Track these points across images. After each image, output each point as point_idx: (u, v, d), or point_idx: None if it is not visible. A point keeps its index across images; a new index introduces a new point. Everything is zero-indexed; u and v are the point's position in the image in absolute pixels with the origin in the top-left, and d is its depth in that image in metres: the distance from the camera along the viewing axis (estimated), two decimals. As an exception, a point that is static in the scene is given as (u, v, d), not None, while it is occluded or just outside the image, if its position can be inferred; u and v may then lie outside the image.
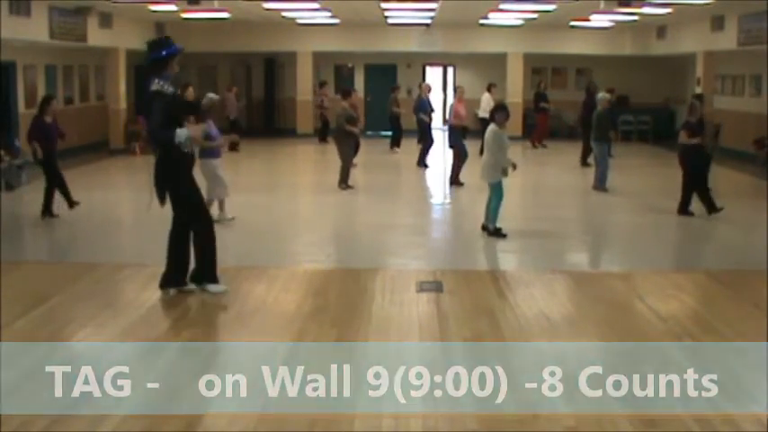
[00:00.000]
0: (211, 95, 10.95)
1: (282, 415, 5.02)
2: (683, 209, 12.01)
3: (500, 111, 10.68)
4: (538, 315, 7.16)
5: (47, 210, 11.53)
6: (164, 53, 7.29)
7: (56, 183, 11.62)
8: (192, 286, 7.63)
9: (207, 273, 7.60)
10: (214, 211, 10.79)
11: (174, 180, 7.33)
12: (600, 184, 14.43)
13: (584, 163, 17.76)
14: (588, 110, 16.43)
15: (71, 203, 11.76)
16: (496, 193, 10.48)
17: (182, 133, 7.13)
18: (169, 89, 7.29)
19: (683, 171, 12.10)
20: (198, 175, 8.02)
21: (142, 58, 23.69)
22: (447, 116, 17.02)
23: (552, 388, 5.33)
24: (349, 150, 14.61)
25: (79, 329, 6.73)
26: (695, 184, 12.00)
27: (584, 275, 8.89)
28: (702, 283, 8.50)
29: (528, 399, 5.25)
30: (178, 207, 7.43)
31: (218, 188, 10.92)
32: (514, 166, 10.69)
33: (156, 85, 7.21)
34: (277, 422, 4.92)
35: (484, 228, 10.64)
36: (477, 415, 5.01)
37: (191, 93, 8.00)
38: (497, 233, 10.42)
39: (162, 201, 7.39)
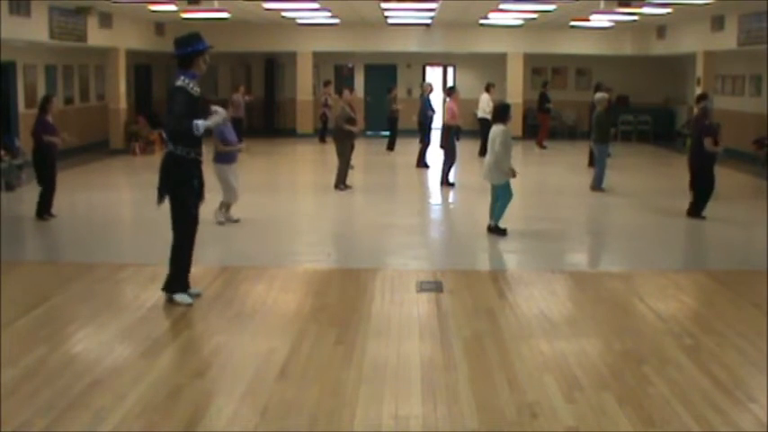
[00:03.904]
0: (217, 109, 10.79)
1: (282, 414, 5.03)
2: (698, 212, 11.87)
3: (506, 110, 10.62)
4: (538, 315, 7.16)
5: (46, 210, 11.49)
6: (189, 50, 7.13)
7: (50, 187, 11.51)
8: (196, 290, 7.56)
9: (177, 281, 7.38)
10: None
11: (179, 183, 7.17)
12: (598, 185, 14.41)
13: None
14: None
15: (46, 213, 11.50)
16: (504, 193, 10.51)
17: (201, 124, 7.05)
18: (195, 89, 7.12)
19: (699, 174, 11.87)
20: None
21: (142, 58, 23.63)
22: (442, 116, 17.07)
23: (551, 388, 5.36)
24: (347, 151, 14.60)
25: (79, 329, 6.74)
26: (710, 185, 11.87)
27: (585, 275, 8.89)
28: (702, 283, 8.50)
29: (528, 399, 5.26)
30: (173, 209, 7.28)
31: (228, 193, 11.18)
32: (514, 174, 10.58)
33: (180, 81, 7.09)
34: (277, 422, 4.93)
35: (490, 229, 10.65)
36: (477, 415, 5.01)
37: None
38: (498, 230, 10.49)
39: (160, 200, 7.30)
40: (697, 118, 12.25)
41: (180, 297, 7.34)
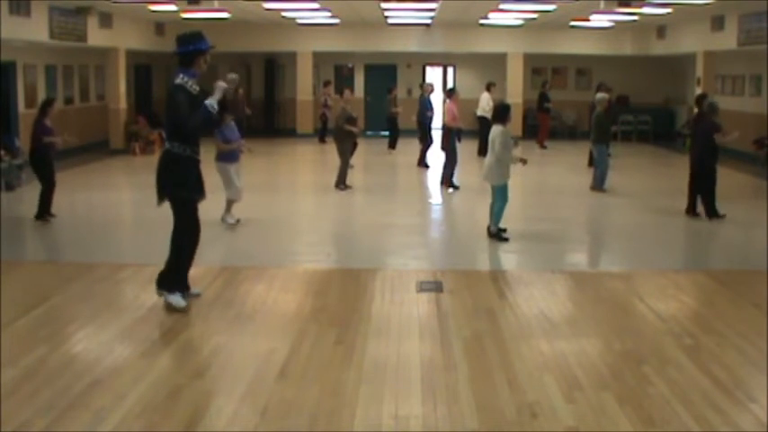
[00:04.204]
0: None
1: (282, 414, 5.02)
2: (705, 210, 11.74)
3: (506, 111, 10.51)
4: (538, 315, 7.16)
5: (46, 210, 11.43)
6: (191, 48, 7.03)
7: (50, 186, 11.42)
8: (195, 291, 7.50)
9: (172, 280, 7.25)
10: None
11: (177, 181, 7.05)
12: (599, 185, 14.38)
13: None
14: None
15: (46, 213, 11.41)
16: (501, 195, 10.30)
17: (211, 102, 6.97)
18: (194, 87, 7.03)
19: (702, 173, 11.72)
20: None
21: (142, 58, 23.57)
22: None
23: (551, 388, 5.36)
24: (348, 151, 14.57)
25: (79, 329, 6.74)
26: (712, 184, 11.75)
27: (585, 275, 8.89)
28: (702, 283, 8.50)
29: (528, 399, 5.26)
30: (174, 208, 7.18)
31: (230, 191, 11.13)
32: (524, 161, 10.64)
33: (179, 79, 7.00)
34: (277, 422, 4.92)
35: (490, 233, 10.47)
36: (477, 415, 5.01)
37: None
38: (499, 236, 10.31)
39: (160, 200, 7.19)
40: (704, 114, 11.96)
41: (174, 299, 7.19)
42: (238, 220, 11.26)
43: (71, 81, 19.90)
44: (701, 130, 11.90)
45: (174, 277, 7.28)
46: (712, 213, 11.73)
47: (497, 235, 10.33)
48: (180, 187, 7.10)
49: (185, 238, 7.26)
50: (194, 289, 7.53)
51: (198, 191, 7.28)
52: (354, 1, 17.05)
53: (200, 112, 6.96)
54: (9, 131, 16.26)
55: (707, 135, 11.64)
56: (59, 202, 11.81)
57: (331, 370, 5.76)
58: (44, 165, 11.43)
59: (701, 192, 11.88)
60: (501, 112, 10.43)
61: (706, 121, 11.84)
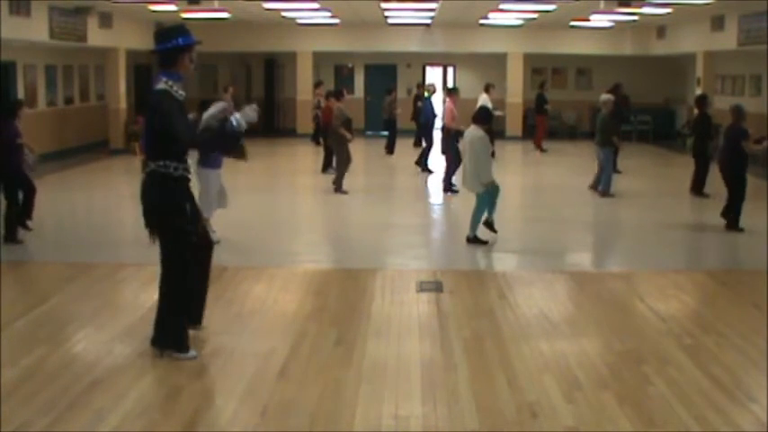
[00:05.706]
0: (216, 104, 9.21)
1: (282, 414, 5.02)
2: (736, 224, 11.20)
3: (490, 115, 10.29)
4: (538, 315, 7.16)
5: (17, 227, 10.17)
6: (170, 44, 5.80)
7: (28, 194, 10.35)
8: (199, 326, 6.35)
9: (173, 337, 5.95)
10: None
11: (169, 208, 5.86)
12: (605, 189, 14.11)
13: (700, 192, 13.96)
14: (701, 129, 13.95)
15: (24, 223, 10.31)
16: (492, 192, 9.99)
17: (239, 120, 5.89)
18: (179, 93, 5.80)
19: (731, 182, 11.30)
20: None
21: (142, 58, 23.57)
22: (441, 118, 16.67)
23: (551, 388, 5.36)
24: (345, 153, 14.36)
25: (79, 329, 6.74)
26: (742, 194, 11.26)
27: (585, 275, 8.88)
28: (702, 283, 8.50)
29: (528, 399, 5.26)
30: (165, 245, 5.93)
31: (213, 203, 9.80)
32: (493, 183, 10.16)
33: (163, 83, 5.77)
34: (277, 422, 4.92)
35: (469, 239, 10.07)
36: (477, 415, 5.01)
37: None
38: (476, 238, 10.03)
39: (154, 236, 5.97)
40: (733, 120, 11.54)
41: (180, 355, 5.94)
42: (218, 241, 9.72)
43: (71, 81, 19.90)
44: (728, 137, 11.39)
45: (177, 331, 5.99)
46: (734, 225, 11.16)
47: (475, 239, 10.03)
48: (173, 216, 5.84)
49: (187, 280, 6.01)
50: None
51: (194, 218, 6.06)
52: (354, 1, 17.05)
53: (220, 129, 5.84)
54: (9, 131, 16.25)
55: (735, 142, 11.20)
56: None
57: (331, 370, 5.76)
58: (20, 171, 10.27)
59: (731, 200, 11.36)
60: (484, 114, 10.23)
61: (734, 128, 11.38)
